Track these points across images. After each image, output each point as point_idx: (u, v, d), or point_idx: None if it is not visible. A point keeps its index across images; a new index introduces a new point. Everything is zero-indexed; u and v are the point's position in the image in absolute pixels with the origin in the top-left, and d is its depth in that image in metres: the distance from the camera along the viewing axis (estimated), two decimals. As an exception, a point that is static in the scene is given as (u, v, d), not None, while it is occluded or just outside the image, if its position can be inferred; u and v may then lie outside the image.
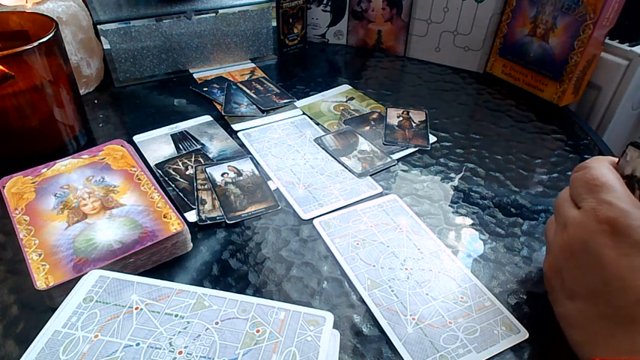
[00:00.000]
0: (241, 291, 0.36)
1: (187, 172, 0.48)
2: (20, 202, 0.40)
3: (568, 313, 0.31)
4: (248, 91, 0.63)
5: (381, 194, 0.46)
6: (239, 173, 0.48)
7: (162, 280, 0.31)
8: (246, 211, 0.43)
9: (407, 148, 0.53)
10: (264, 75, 0.67)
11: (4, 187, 0.42)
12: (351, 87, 0.65)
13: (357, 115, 0.58)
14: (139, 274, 0.35)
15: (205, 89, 0.63)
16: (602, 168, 0.31)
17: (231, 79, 0.66)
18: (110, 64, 0.62)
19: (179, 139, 0.53)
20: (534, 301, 0.36)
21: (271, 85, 0.64)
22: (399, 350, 0.32)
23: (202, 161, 0.49)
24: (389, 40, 0.74)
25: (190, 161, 0.49)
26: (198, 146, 0.52)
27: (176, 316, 0.29)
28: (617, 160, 0.32)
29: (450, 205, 0.45)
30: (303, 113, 0.59)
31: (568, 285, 0.31)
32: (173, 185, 0.46)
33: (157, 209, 0.40)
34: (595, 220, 0.29)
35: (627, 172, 0.31)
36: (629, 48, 0.58)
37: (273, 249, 0.40)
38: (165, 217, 0.39)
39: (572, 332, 0.31)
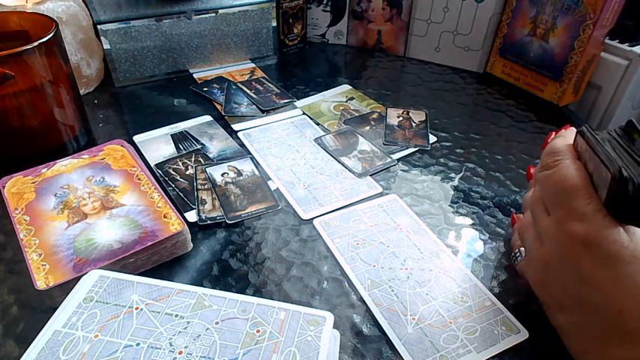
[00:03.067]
0: (241, 291, 0.36)
1: (187, 172, 0.48)
2: (20, 202, 0.40)
3: (561, 324, 0.31)
4: (248, 91, 0.63)
5: (381, 194, 0.46)
6: (239, 173, 0.48)
7: (163, 280, 0.31)
8: (246, 211, 0.43)
9: (407, 148, 0.53)
10: (264, 75, 0.67)
11: (4, 187, 0.42)
12: (351, 87, 0.65)
13: (357, 115, 0.58)
14: (139, 274, 0.35)
15: (205, 89, 0.63)
16: (571, 167, 0.29)
17: (231, 79, 0.66)
18: (110, 64, 0.62)
19: (179, 139, 0.53)
20: (534, 301, 0.35)
21: (271, 85, 0.64)
22: (399, 350, 0.32)
23: (202, 161, 0.49)
24: (389, 40, 0.74)
25: (190, 161, 0.49)
26: (198, 146, 0.52)
27: (176, 316, 0.29)
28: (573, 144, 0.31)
29: (450, 205, 0.45)
30: (303, 113, 0.59)
31: (555, 297, 0.31)
32: (173, 185, 0.46)
33: (157, 209, 0.40)
34: (567, 233, 0.28)
35: (582, 162, 0.30)
36: (629, 48, 0.58)
37: (273, 249, 0.40)
38: (165, 217, 0.39)
39: (569, 342, 0.30)
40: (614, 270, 0.26)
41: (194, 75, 0.67)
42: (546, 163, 0.31)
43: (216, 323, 0.29)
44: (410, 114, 0.58)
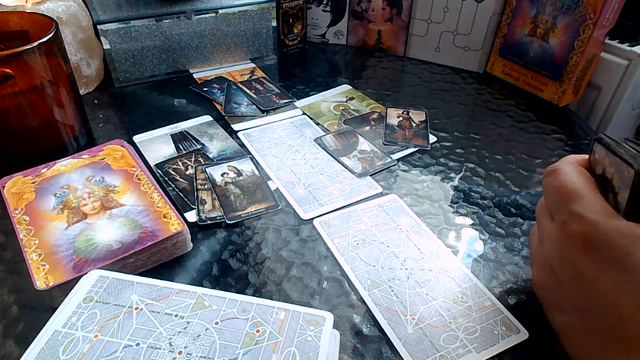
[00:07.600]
0: (241, 291, 0.36)
1: (187, 172, 0.48)
2: (20, 202, 0.40)
3: (559, 326, 0.30)
4: (248, 91, 0.63)
5: (381, 194, 0.46)
6: (239, 173, 0.48)
7: (163, 280, 0.31)
8: (246, 211, 0.43)
9: (407, 148, 0.53)
10: (264, 75, 0.67)
11: (4, 187, 0.42)
12: (351, 87, 0.65)
13: (357, 115, 0.58)
14: (139, 274, 0.35)
15: (205, 89, 0.63)
16: (571, 174, 0.30)
17: (231, 79, 0.66)
18: (110, 64, 0.62)
19: (179, 139, 0.53)
20: (534, 301, 0.35)
21: (271, 85, 0.64)
22: (399, 350, 0.32)
23: (202, 161, 0.49)
24: (389, 40, 0.74)
25: (190, 161, 0.49)
26: (198, 146, 0.52)
27: (176, 316, 0.29)
28: (588, 157, 0.31)
29: (450, 205, 0.45)
30: (303, 113, 0.59)
31: (554, 299, 0.31)
32: (173, 185, 0.46)
33: (157, 209, 0.40)
34: (567, 236, 0.28)
35: (598, 172, 0.30)
36: (629, 48, 0.58)
37: (273, 249, 0.40)
38: (165, 217, 0.39)
39: (567, 344, 0.30)
40: (615, 276, 0.25)
41: (194, 75, 0.67)
42: (547, 170, 0.32)
43: (216, 323, 0.29)
44: (410, 114, 0.58)
